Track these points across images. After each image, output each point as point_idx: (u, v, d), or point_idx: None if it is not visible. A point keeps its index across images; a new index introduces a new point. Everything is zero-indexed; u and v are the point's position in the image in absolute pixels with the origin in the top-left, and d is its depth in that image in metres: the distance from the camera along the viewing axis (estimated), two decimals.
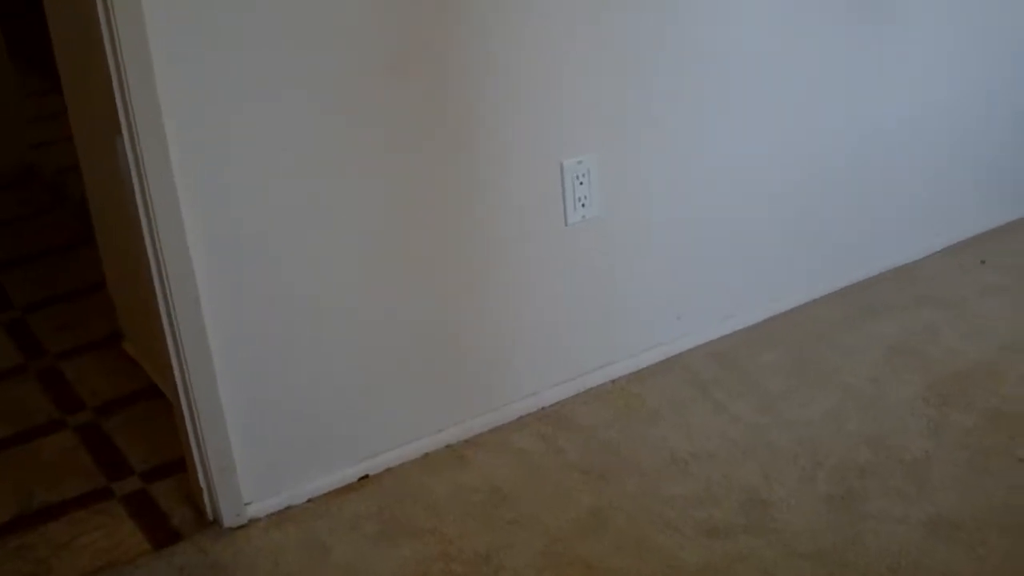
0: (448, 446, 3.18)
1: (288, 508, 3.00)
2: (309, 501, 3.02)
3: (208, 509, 2.97)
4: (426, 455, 3.15)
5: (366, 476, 3.09)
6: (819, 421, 3.17)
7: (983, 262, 3.99)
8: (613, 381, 3.39)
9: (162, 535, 2.97)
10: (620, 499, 2.94)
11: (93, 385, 3.66)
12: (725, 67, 3.32)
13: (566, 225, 3.18)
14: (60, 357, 3.84)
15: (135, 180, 2.67)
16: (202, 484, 2.94)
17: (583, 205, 3.17)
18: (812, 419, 3.18)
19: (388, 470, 3.11)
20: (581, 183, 3.15)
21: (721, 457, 3.06)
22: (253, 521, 2.97)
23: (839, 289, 3.79)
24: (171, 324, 2.76)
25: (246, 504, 2.96)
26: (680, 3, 3.18)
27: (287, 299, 2.88)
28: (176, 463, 3.17)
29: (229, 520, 2.95)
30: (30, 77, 6.32)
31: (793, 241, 3.61)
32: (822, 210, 3.65)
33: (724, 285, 3.53)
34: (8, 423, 3.49)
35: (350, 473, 3.07)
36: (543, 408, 3.30)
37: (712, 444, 3.11)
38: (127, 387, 3.64)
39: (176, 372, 2.82)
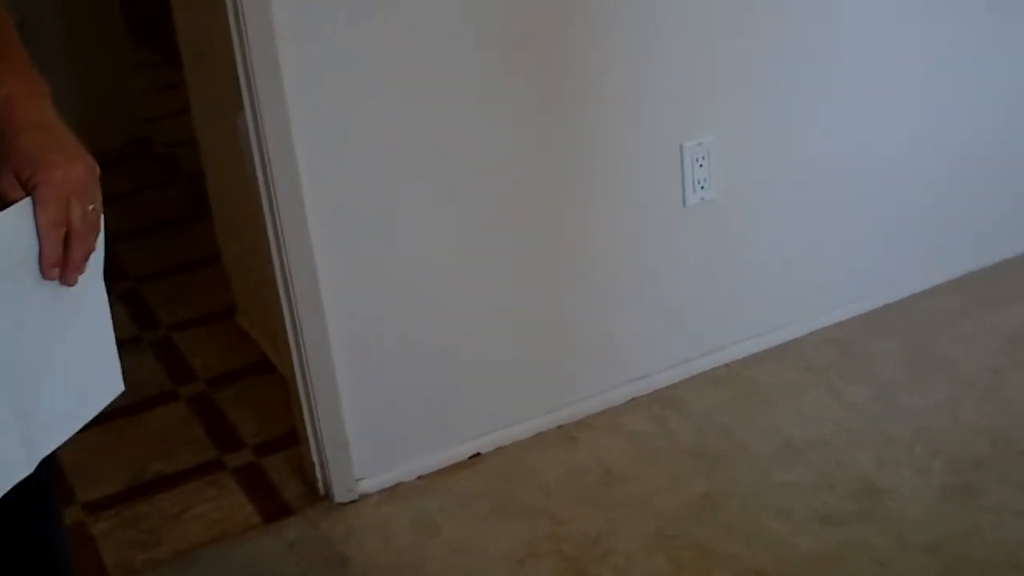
0: (560, 426, 3.17)
1: (399, 484, 3.01)
2: (420, 478, 3.03)
3: (320, 484, 2.98)
4: (537, 435, 3.14)
5: (477, 454, 3.08)
6: (935, 410, 3.12)
7: None
8: (727, 365, 3.36)
9: (273, 509, 2.99)
10: (732, 484, 2.92)
11: (206, 357, 3.69)
12: (847, 52, 3.28)
13: (684, 207, 3.16)
14: (173, 328, 3.87)
15: (256, 156, 2.68)
16: (314, 458, 2.95)
17: (702, 187, 3.15)
18: (928, 408, 3.13)
19: (499, 449, 3.10)
20: (701, 165, 3.13)
21: (835, 444, 3.03)
22: (364, 497, 2.97)
23: (958, 277, 3.72)
24: (288, 298, 2.77)
25: (357, 480, 2.97)
26: None
27: (404, 277, 2.88)
28: (287, 437, 3.18)
29: (340, 495, 2.95)
30: (146, 49, 6.39)
31: (912, 228, 3.56)
32: (942, 197, 3.59)
33: (841, 270, 3.48)
34: (122, 394, 3.52)
35: (461, 451, 3.07)
36: (656, 390, 3.28)
37: (826, 431, 3.08)
38: (239, 360, 3.67)
39: (292, 346, 2.83)
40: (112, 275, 4.18)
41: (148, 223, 4.70)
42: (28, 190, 1.36)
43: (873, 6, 3.27)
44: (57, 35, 5.24)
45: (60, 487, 3.08)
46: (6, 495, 1.38)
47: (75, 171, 1.39)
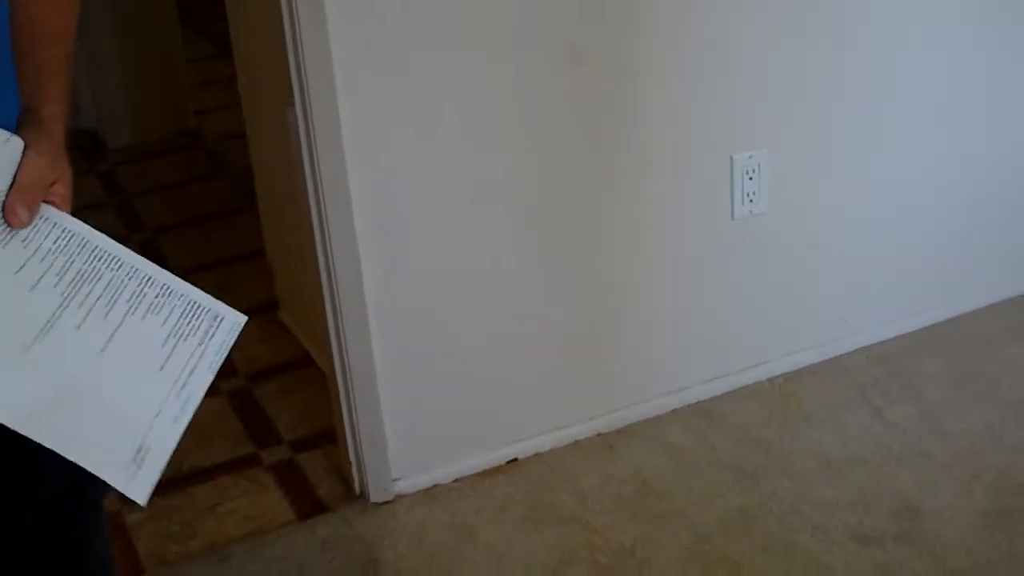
0: (599, 434, 3.15)
1: (435, 487, 3.00)
2: (456, 481, 3.02)
3: (356, 482, 2.98)
4: (576, 442, 3.13)
5: (515, 460, 3.07)
6: (978, 433, 3.09)
7: None
8: (770, 379, 3.34)
9: (308, 506, 2.99)
10: (770, 499, 2.90)
11: (247, 351, 3.69)
12: (905, 70, 3.25)
13: (732, 219, 3.14)
14: None
15: (304, 151, 2.68)
16: (351, 457, 2.94)
17: (751, 200, 3.13)
18: (971, 431, 3.11)
19: (537, 455, 3.09)
20: (750, 178, 3.11)
21: (875, 463, 3.01)
22: (399, 497, 2.97)
23: (1005, 299, 3.69)
24: (332, 296, 2.77)
25: (394, 480, 2.96)
26: (858, 12, 3.13)
27: (447, 279, 2.87)
28: (325, 434, 3.18)
29: (376, 495, 2.95)
30: (201, 42, 6.41)
31: (960, 247, 3.53)
32: (991, 216, 3.56)
33: (888, 288, 3.46)
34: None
35: (499, 455, 3.06)
36: (696, 402, 3.26)
37: (867, 449, 3.06)
38: (280, 356, 3.67)
39: (334, 344, 2.83)
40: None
41: (194, 215, 4.71)
42: None
43: (938, 24, 3.25)
44: (111, 27, 5.26)
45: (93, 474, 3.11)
46: (63, 505, 1.48)
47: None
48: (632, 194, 3.02)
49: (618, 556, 2.75)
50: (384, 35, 2.63)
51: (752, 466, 3.02)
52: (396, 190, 2.75)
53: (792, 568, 2.68)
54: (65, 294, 1.48)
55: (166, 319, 1.53)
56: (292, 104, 2.67)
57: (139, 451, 1.47)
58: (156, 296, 1.54)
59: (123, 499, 2.87)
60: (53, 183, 1.53)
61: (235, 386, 3.51)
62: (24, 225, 1.47)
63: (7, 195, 1.47)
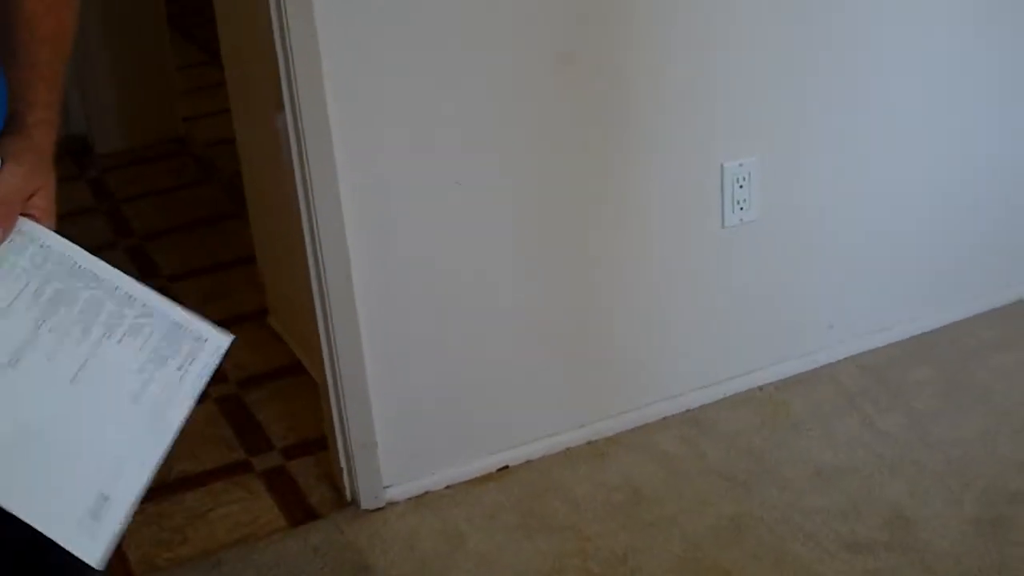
0: (589, 442, 3.15)
1: (426, 494, 3.00)
2: (448, 488, 3.01)
3: (347, 489, 2.98)
4: (567, 450, 3.13)
5: (506, 467, 3.07)
6: (969, 442, 3.09)
7: None
8: (760, 387, 3.34)
9: (299, 512, 2.99)
10: (761, 508, 2.90)
11: (237, 358, 3.67)
12: (893, 77, 3.25)
13: (722, 227, 3.14)
14: None
15: (294, 156, 2.68)
16: (342, 464, 2.94)
17: (741, 208, 3.13)
18: (962, 440, 3.10)
19: (528, 462, 3.09)
20: (741, 186, 3.11)
21: (866, 472, 3.01)
22: (391, 504, 2.97)
23: (996, 308, 3.68)
24: (322, 302, 2.77)
25: (385, 487, 2.96)
26: (846, 13, 3.13)
27: (439, 286, 2.88)
28: (316, 441, 3.18)
29: (367, 502, 2.95)
30: (188, 49, 6.40)
31: (950, 255, 3.53)
32: (981, 224, 3.56)
33: (878, 296, 3.46)
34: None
35: (490, 463, 3.06)
36: (687, 410, 3.26)
37: (857, 458, 3.06)
38: (271, 362, 3.66)
39: (324, 350, 2.82)
40: (145, 273, 4.18)
41: (183, 221, 4.69)
42: None
43: (936, 24, 3.25)
44: (100, 32, 5.25)
45: None
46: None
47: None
48: (623, 202, 3.02)
49: (610, 564, 2.75)
50: (374, 39, 2.63)
51: (743, 474, 3.02)
52: (387, 194, 2.75)
53: None
54: (39, 319, 1.44)
55: (145, 342, 1.49)
56: (282, 109, 2.66)
57: (100, 499, 1.43)
58: (136, 317, 1.50)
59: None
60: (32, 195, 1.50)
61: (225, 392, 3.50)
62: None
63: None
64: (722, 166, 3.09)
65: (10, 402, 1.42)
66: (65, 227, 4.05)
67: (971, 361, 3.45)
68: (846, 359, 3.45)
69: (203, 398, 3.41)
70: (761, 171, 3.14)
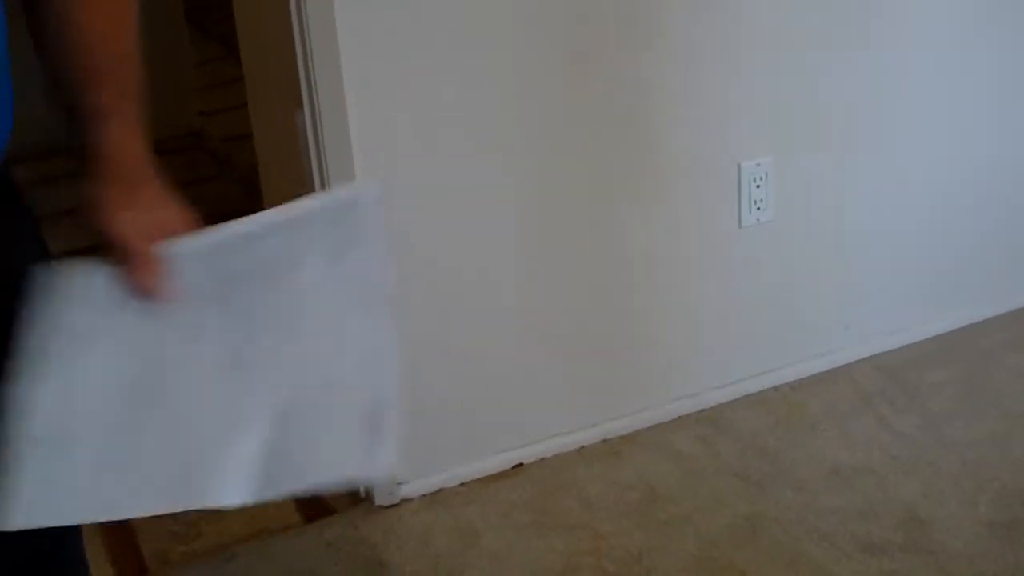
0: (604, 440, 3.15)
1: (440, 491, 3.00)
2: (462, 485, 3.01)
3: (361, 486, 2.97)
4: (581, 448, 3.13)
5: (520, 464, 3.07)
6: (985, 444, 3.09)
7: None
8: (776, 387, 3.33)
9: (313, 509, 2.98)
10: (776, 508, 2.89)
11: None
12: (912, 77, 3.25)
13: (739, 227, 3.14)
14: None
15: (312, 154, 2.68)
16: None
17: (758, 208, 3.13)
18: (977, 441, 3.10)
19: (542, 460, 3.09)
20: (758, 186, 3.11)
21: (881, 473, 3.00)
22: (405, 501, 2.97)
23: (1012, 310, 3.68)
24: None
25: (399, 484, 2.96)
26: (864, 15, 3.13)
27: (452, 283, 2.88)
28: None
29: (381, 498, 2.95)
30: (206, 44, 6.39)
31: (968, 257, 3.53)
32: (999, 229, 3.55)
33: (895, 297, 3.46)
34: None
35: (504, 460, 3.06)
36: (703, 410, 3.25)
37: (873, 459, 3.05)
38: None
39: None
40: None
41: (199, 216, 4.69)
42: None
43: (941, 27, 3.25)
44: None
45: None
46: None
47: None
48: (639, 201, 3.02)
49: (624, 563, 2.74)
50: (394, 36, 2.63)
51: (758, 474, 3.01)
52: (403, 192, 2.75)
53: None
54: (235, 320, 1.40)
55: (314, 252, 1.43)
56: (301, 106, 2.66)
57: (369, 418, 1.42)
58: (296, 240, 1.44)
59: None
60: (156, 227, 1.40)
61: None
62: (162, 295, 1.37)
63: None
64: (739, 166, 3.09)
65: (263, 390, 1.40)
66: (82, 221, 4.04)
67: (987, 363, 3.44)
68: (862, 360, 3.45)
69: None
70: (778, 171, 3.13)
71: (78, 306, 1.35)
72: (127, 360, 1.35)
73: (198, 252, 1.41)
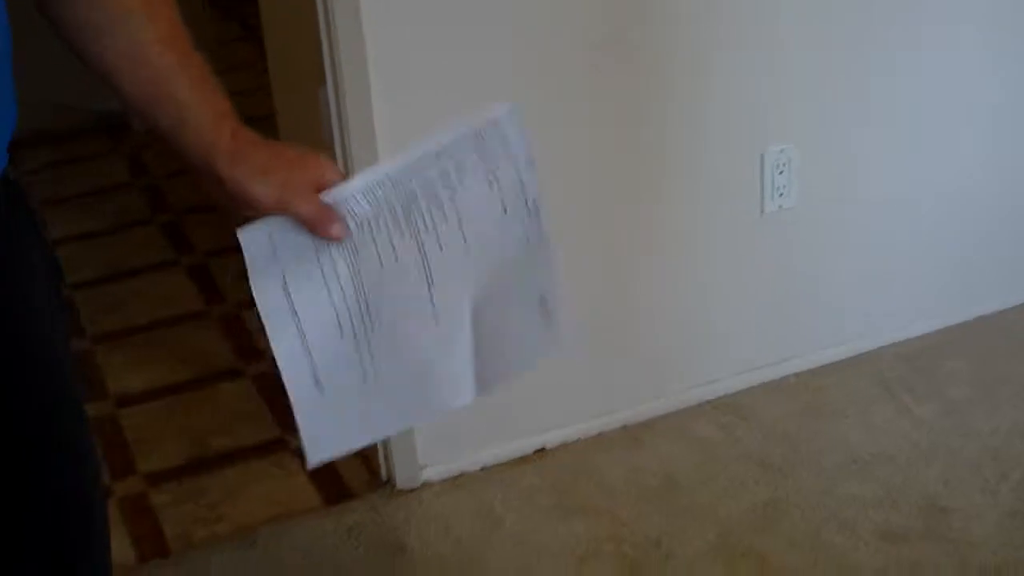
0: (624, 427, 3.15)
1: (462, 475, 3.00)
2: (483, 469, 3.02)
3: (382, 469, 2.98)
4: (602, 434, 3.13)
5: (542, 449, 3.08)
6: (1006, 432, 3.08)
7: None
8: (797, 374, 3.33)
9: (334, 491, 2.99)
10: (796, 494, 2.90)
11: None
12: (934, 69, 3.24)
13: (762, 214, 3.13)
14: (241, 306, 3.85)
15: (336, 133, 2.68)
16: (379, 443, 2.94)
17: (781, 195, 3.12)
18: (998, 430, 3.10)
19: (564, 445, 3.10)
20: (781, 172, 3.10)
21: (902, 460, 3.00)
22: (426, 484, 2.97)
23: None
24: None
25: (421, 467, 2.97)
26: (889, 6, 3.12)
27: None
28: None
29: (403, 482, 2.95)
30: (227, 26, 6.39)
31: (990, 247, 3.52)
32: (1022, 214, 3.54)
33: (916, 285, 3.45)
34: (187, 367, 3.53)
35: (526, 445, 3.07)
36: (723, 396, 3.25)
37: (894, 446, 3.05)
38: None
39: None
40: (180, 249, 4.18)
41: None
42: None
43: (973, 21, 3.24)
44: None
45: (121, 457, 3.12)
46: (27, 443, 1.39)
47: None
48: (662, 187, 3.02)
49: (644, 548, 2.75)
50: (418, 12, 2.64)
51: (779, 461, 3.01)
52: None
53: (818, 563, 2.68)
54: (413, 240, 1.48)
55: (467, 172, 1.54)
56: (324, 84, 2.67)
57: (541, 305, 1.57)
58: (445, 165, 1.53)
59: (150, 481, 2.89)
60: (310, 177, 1.43)
61: (261, 370, 3.50)
62: (340, 235, 1.42)
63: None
64: (762, 153, 3.09)
65: (456, 296, 1.51)
66: (102, 203, 4.09)
67: (1008, 352, 3.44)
68: (883, 347, 3.44)
69: (238, 375, 3.44)
70: (800, 158, 3.13)
71: (283, 258, 1.42)
72: (339, 297, 1.44)
73: (360, 190, 1.46)
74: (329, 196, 1.42)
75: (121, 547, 2.82)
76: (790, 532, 2.77)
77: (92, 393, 3.37)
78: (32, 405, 1.39)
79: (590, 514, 2.86)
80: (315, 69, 2.70)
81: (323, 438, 1.47)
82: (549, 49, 2.79)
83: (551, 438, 3.09)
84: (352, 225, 1.43)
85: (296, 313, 1.42)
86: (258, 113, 4.70)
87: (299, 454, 3.12)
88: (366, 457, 3.04)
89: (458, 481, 2.99)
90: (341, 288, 1.44)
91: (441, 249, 1.48)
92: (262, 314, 1.41)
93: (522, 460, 3.05)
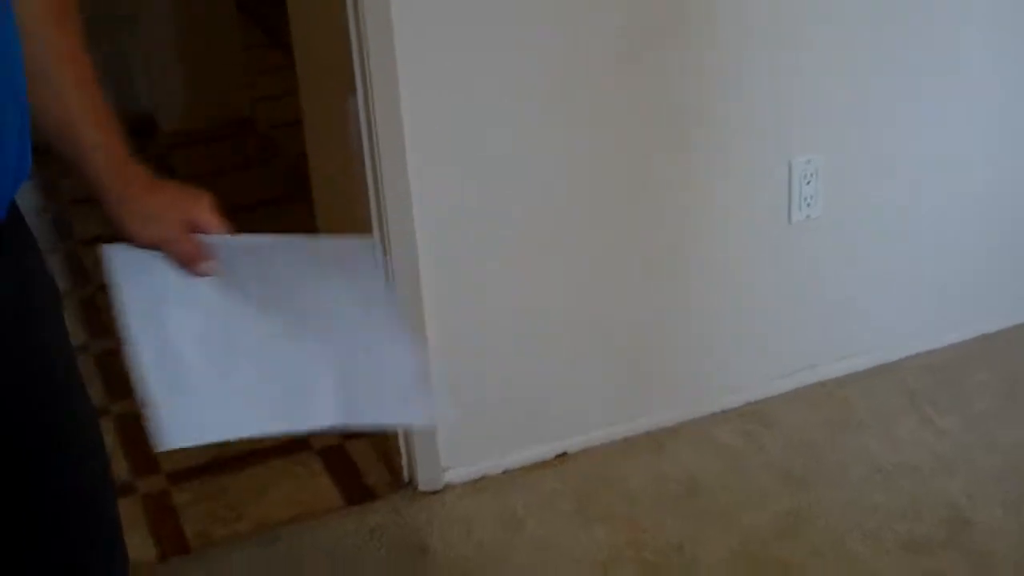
0: (648, 433, 3.15)
1: (483, 478, 3.00)
2: (505, 473, 3.02)
3: (405, 471, 2.98)
4: (625, 439, 3.13)
5: (564, 454, 3.07)
6: None
7: None
8: (821, 383, 3.32)
9: (356, 493, 3.00)
10: (819, 504, 2.89)
11: None
12: (963, 80, 3.24)
13: (789, 223, 3.13)
14: None
15: (365, 140, 2.68)
16: (401, 445, 2.95)
17: (808, 205, 3.12)
18: (1021, 442, 3.09)
19: (586, 451, 3.09)
20: (808, 182, 3.10)
21: (925, 471, 3.00)
22: (448, 487, 2.98)
23: None
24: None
25: (443, 469, 2.97)
26: (920, 18, 3.12)
27: (503, 273, 2.89)
28: None
29: (425, 484, 2.95)
30: (254, 30, 6.41)
31: (1018, 257, 3.51)
32: None
33: (942, 296, 3.44)
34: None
35: (548, 449, 3.07)
36: (748, 404, 3.25)
37: (917, 457, 3.04)
38: None
39: None
40: None
41: (246, 202, 4.69)
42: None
43: (1001, 31, 3.24)
44: (168, 13, 5.28)
45: (144, 455, 3.12)
46: (34, 441, 1.44)
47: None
48: (689, 195, 3.02)
49: (665, 555, 2.75)
50: (449, 24, 2.65)
51: (802, 470, 3.01)
52: (455, 180, 2.76)
53: (841, 572, 2.68)
54: (275, 306, 1.55)
55: (328, 276, 1.58)
56: (353, 92, 2.67)
57: (406, 383, 1.61)
58: (309, 262, 1.59)
59: (171, 479, 2.89)
60: (188, 218, 1.53)
61: None
62: (206, 271, 1.52)
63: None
64: (790, 162, 3.08)
65: (318, 353, 1.56)
66: None
67: None
68: (908, 358, 3.43)
69: None
70: (828, 169, 3.13)
71: (148, 277, 1.52)
72: (201, 319, 1.53)
73: (231, 245, 1.54)
74: (206, 238, 1.52)
75: (143, 544, 2.84)
76: (813, 541, 2.77)
77: (116, 392, 3.37)
78: (32, 406, 1.44)
79: (611, 520, 2.86)
80: (344, 77, 2.70)
81: (177, 428, 1.48)
82: (577, 58, 2.80)
83: (574, 443, 3.08)
84: (221, 267, 1.52)
85: (160, 323, 1.51)
86: (285, 118, 4.75)
87: (323, 455, 3.13)
88: (389, 458, 3.04)
89: (480, 484, 2.99)
90: (205, 309, 1.53)
91: (300, 320, 1.56)
92: (124, 318, 1.49)
93: (544, 464, 3.05)
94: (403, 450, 2.95)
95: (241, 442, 3.12)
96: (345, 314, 1.58)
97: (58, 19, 1.47)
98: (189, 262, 1.51)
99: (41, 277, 1.49)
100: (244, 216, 4.63)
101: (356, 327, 1.59)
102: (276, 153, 5.20)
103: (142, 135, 5.28)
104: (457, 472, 2.98)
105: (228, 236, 1.54)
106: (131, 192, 1.53)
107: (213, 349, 1.52)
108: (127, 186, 1.53)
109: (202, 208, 1.54)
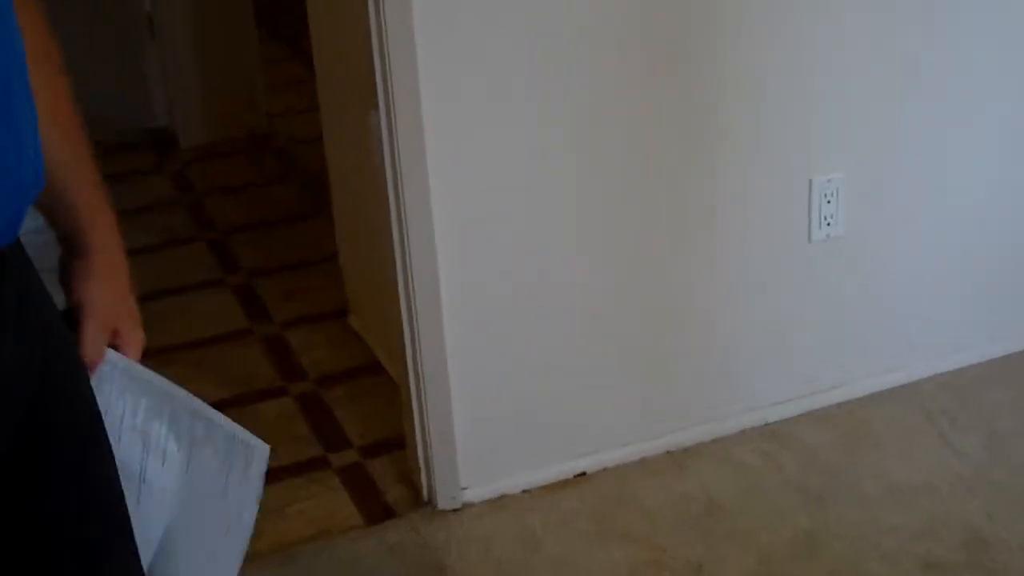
0: (667, 452, 3.15)
1: (503, 497, 3.00)
2: (524, 492, 3.02)
3: (424, 489, 2.98)
4: (644, 459, 3.13)
5: (583, 473, 3.07)
6: None
7: None
8: (840, 404, 3.32)
9: (375, 511, 3.00)
10: (837, 524, 2.89)
11: (316, 356, 3.70)
12: (984, 97, 3.24)
13: (809, 242, 3.13)
14: (285, 325, 3.88)
15: (387, 155, 2.69)
16: (421, 464, 2.95)
17: (828, 223, 3.12)
18: None
19: (605, 470, 3.09)
20: (829, 201, 3.10)
21: (944, 492, 2.99)
22: (467, 506, 2.98)
23: None
24: (408, 303, 2.78)
25: (462, 488, 2.97)
26: (940, 38, 3.12)
27: (523, 290, 2.89)
28: (393, 441, 3.18)
29: (444, 503, 2.96)
30: (274, 45, 6.42)
31: None
32: None
33: (960, 316, 3.44)
34: (230, 385, 3.54)
35: (567, 468, 3.07)
36: (767, 423, 3.24)
37: (935, 477, 3.04)
38: (350, 361, 3.67)
39: (408, 349, 2.83)
40: (226, 267, 4.19)
41: (264, 218, 4.71)
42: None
43: (1019, 56, 3.23)
44: (186, 26, 5.29)
45: None
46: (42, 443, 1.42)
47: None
48: (710, 213, 3.02)
49: (684, 574, 2.75)
50: (471, 41, 2.65)
51: (820, 490, 3.00)
52: (477, 199, 2.77)
53: None
54: (144, 434, 1.57)
55: (215, 451, 1.61)
56: (376, 108, 2.68)
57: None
58: (204, 429, 1.61)
59: None
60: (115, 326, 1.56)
61: (304, 389, 3.52)
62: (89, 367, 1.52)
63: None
64: (811, 181, 3.09)
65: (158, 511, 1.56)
66: (147, 220, 4.11)
67: None
68: (926, 378, 3.42)
69: (282, 393, 3.46)
70: (848, 187, 3.13)
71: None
72: None
73: (132, 373, 1.57)
74: (110, 353, 1.54)
75: None
76: (831, 561, 2.77)
77: None
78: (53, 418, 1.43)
79: (630, 539, 2.86)
80: (366, 92, 2.71)
81: None
82: (600, 76, 2.80)
83: (593, 463, 3.08)
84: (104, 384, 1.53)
85: None
86: (304, 134, 4.76)
87: (341, 473, 3.13)
88: (408, 477, 3.05)
89: (499, 503, 2.99)
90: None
91: (160, 467, 1.57)
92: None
93: (563, 484, 3.05)
94: (422, 469, 2.95)
95: None
96: (195, 499, 1.58)
97: (37, 64, 1.37)
98: (86, 351, 1.52)
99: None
100: (264, 231, 4.66)
101: (201, 517, 1.60)
102: (295, 168, 5.21)
103: (161, 150, 5.30)
104: (476, 491, 2.99)
105: (133, 362, 1.57)
106: (94, 270, 1.56)
107: None
108: (93, 262, 1.57)
109: (129, 324, 1.58)
